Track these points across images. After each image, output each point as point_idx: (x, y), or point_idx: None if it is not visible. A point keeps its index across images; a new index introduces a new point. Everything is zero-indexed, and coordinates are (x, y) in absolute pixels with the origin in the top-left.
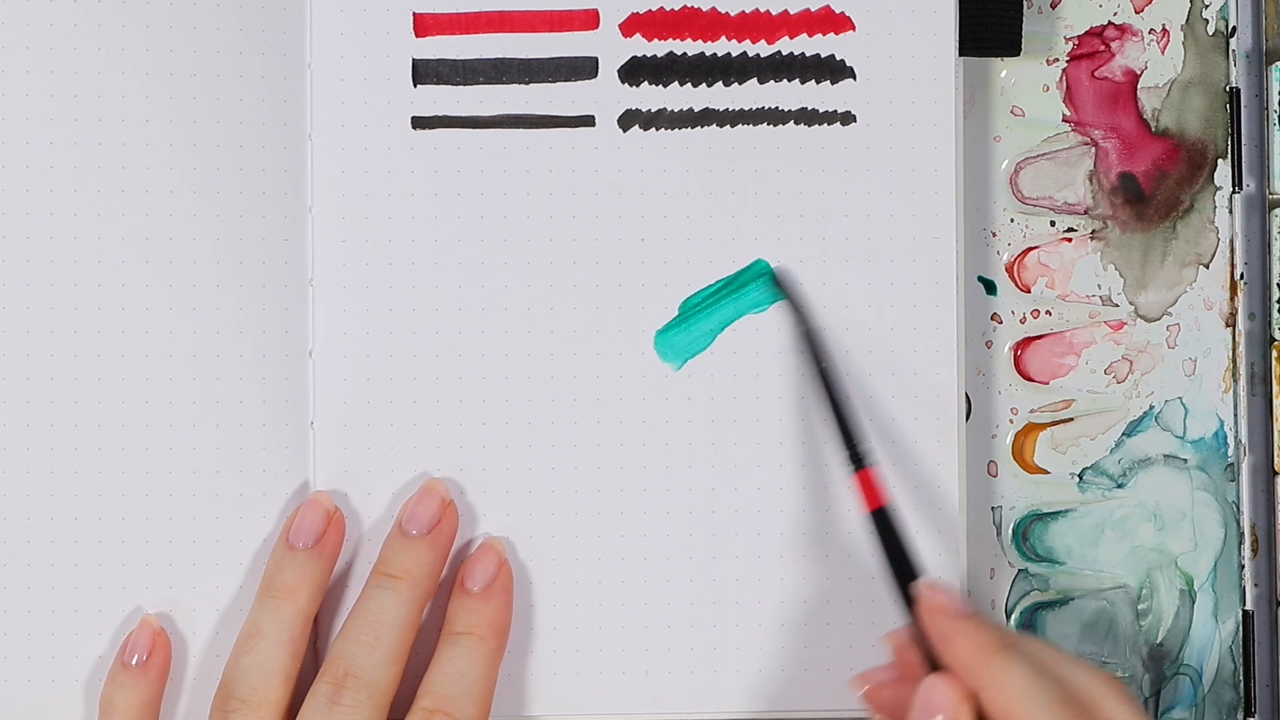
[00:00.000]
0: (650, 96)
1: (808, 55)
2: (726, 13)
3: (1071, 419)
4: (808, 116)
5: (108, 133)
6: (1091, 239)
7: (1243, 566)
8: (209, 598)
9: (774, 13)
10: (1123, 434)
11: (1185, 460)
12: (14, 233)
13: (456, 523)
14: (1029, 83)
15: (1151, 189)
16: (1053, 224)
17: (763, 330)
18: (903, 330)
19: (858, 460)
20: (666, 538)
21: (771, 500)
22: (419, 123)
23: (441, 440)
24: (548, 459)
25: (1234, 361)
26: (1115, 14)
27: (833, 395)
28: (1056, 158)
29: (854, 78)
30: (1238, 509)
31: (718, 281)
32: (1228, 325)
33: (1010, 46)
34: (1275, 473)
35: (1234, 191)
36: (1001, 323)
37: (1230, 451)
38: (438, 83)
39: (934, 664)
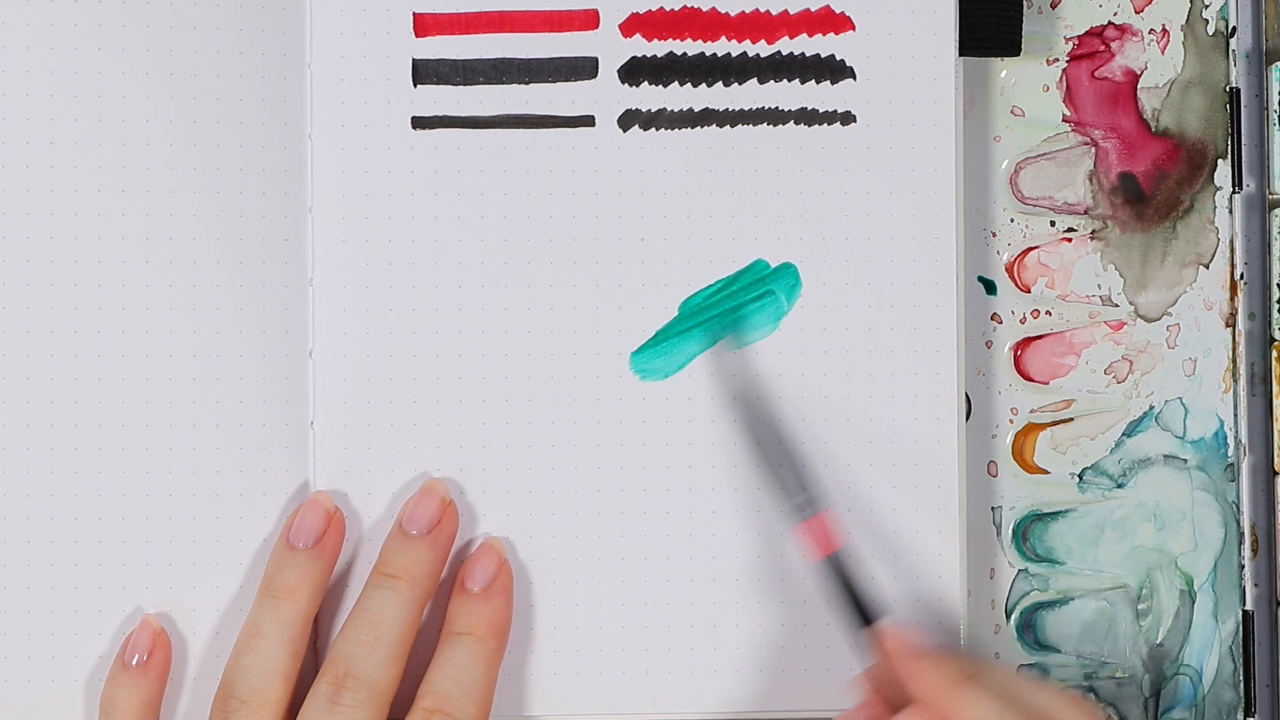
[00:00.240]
0: (650, 96)
1: (808, 55)
2: (726, 13)
3: (1071, 419)
4: (808, 116)
5: (108, 133)
6: (1091, 239)
7: (1243, 566)
8: (209, 598)
9: (774, 13)
10: (1123, 434)
11: (1185, 460)
12: (14, 233)
13: (456, 523)
14: (1029, 83)
15: (1151, 189)
16: (1053, 224)
17: (762, 330)
18: (903, 330)
19: (801, 511)
20: (666, 538)
21: (772, 500)
22: (419, 123)
23: (441, 440)
24: (548, 459)
25: (1234, 361)
26: (1115, 14)
27: (768, 455)
28: (1056, 158)
29: (854, 78)
30: (1238, 509)
31: (718, 281)
32: (1228, 325)
33: (1010, 46)
34: (1275, 473)
35: (1234, 191)
36: (1001, 323)
37: (1230, 451)
38: (438, 83)
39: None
